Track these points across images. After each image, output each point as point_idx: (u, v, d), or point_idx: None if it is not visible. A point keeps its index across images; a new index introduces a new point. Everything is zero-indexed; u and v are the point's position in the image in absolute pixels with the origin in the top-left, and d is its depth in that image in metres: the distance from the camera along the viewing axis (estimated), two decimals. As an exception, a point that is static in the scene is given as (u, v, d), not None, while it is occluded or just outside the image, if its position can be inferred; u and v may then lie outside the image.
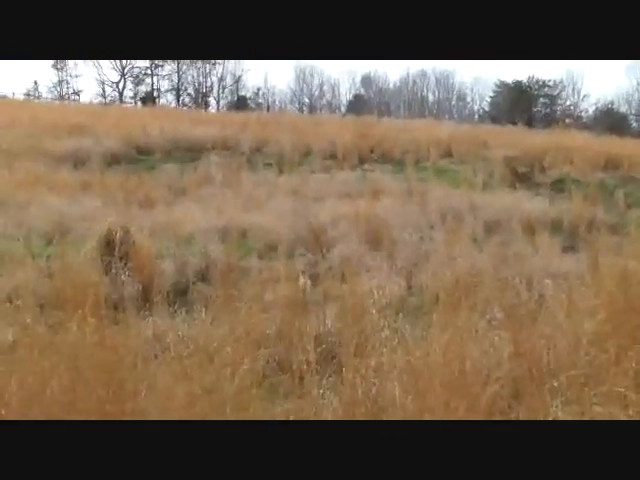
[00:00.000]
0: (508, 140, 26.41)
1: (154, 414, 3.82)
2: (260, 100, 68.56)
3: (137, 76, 65.91)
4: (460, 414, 3.65)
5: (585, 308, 4.64)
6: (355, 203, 13.78)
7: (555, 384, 3.83)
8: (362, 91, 72.97)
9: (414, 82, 72.11)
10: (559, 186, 19.83)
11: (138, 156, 22.62)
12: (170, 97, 66.99)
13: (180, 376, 3.93)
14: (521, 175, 20.45)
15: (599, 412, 3.68)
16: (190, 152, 23.20)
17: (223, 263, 8.56)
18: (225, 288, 6.48)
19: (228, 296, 5.49)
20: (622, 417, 3.61)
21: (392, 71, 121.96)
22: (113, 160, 21.29)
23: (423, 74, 71.43)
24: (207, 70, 66.65)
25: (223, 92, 67.90)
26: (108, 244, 8.08)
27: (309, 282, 7.78)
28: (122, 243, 8.03)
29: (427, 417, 3.68)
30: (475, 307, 4.98)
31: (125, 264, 7.67)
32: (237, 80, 67.25)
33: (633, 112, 65.86)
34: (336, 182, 18.01)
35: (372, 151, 24.22)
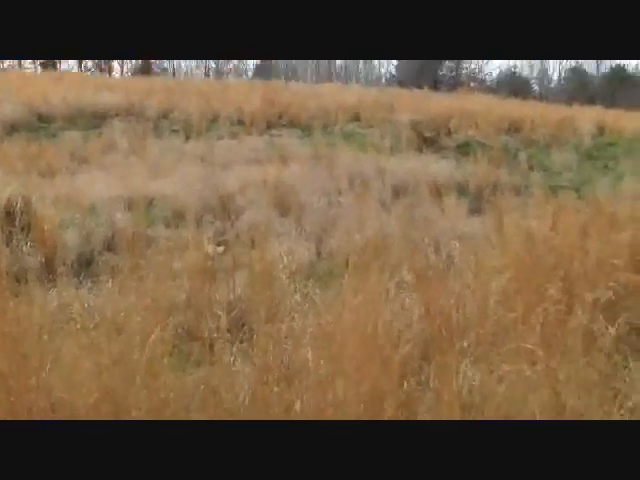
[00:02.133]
0: (414, 104, 26.62)
1: (60, 387, 3.74)
2: (165, 65, 67.24)
3: (36, 40, 63.51)
4: (373, 376, 3.68)
5: (492, 268, 4.73)
6: (263, 169, 13.72)
7: (465, 344, 3.90)
8: (269, 56, 72.36)
9: (321, 46, 71.87)
10: (464, 149, 20.12)
11: (39, 124, 21.86)
12: (72, 62, 64.97)
13: (86, 347, 3.84)
14: (427, 139, 20.67)
15: (508, 370, 3.75)
16: (94, 119, 22.58)
17: (129, 232, 8.39)
18: (132, 257, 6.36)
19: (135, 265, 5.36)
20: (529, 373, 3.68)
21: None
22: (12, 129, 20.53)
23: (330, 38, 71.15)
24: (110, 34, 64.72)
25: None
26: (8, 214, 7.81)
27: (218, 249, 7.71)
28: (23, 213, 7.77)
29: (340, 381, 3.69)
30: (384, 270, 5.01)
31: (27, 235, 7.42)
32: (141, 45, 65.62)
33: (535, 76, 67.41)
34: (244, 148, 17.84)
35: (280, 117, 24.07)
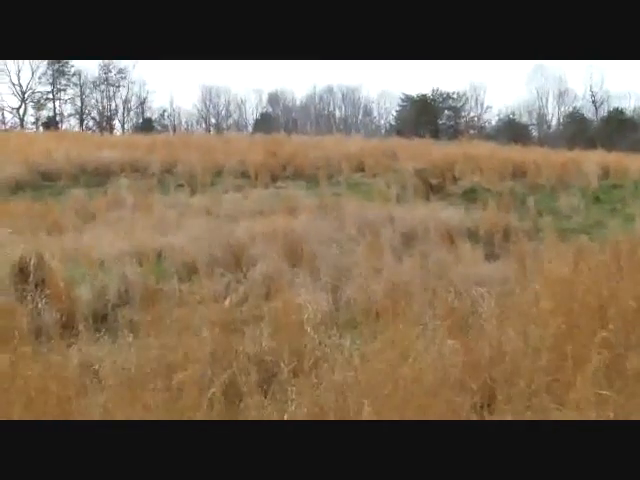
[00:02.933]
0: (417, 152, 26.71)
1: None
2: (166, 122, 67.83)
3: (38, 101, 64.19)
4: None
5: (532, 313, 4.57)
6: (271, 221, 13.62)
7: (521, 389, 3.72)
8: (269, 109, 72.99)
9: (321, 98, 72.66)
10: (471, 195, 20.12)
11: (43, 182, 21.89)
12: (73, 121, 65.64)
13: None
14: (433, 186, 20.67)
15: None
16: (98, 176, 22.62)
17: (142, 286, 8.26)
18: (148, 312, 6.23)
19: (154, 319, 5.21)
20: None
21: (298, 88, 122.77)
22: (17, 187, 20.60)
23: (329, 90, 72.05)
24: (111, 93, 65.59)
25: (128, 115, 66.90)
26: (21, 271, 7.67)
27: (234, 301, 7.55)
28: (36, 270, 7.64)
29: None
30: (410, 318, 4.86)
31: (41, 291, 7.27)
32: (142, 102, 66.40)
33: (533, 121, 67.86)
34: (249, 201, 17.81)
35: (284, 168, 24.11)
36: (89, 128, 62.53)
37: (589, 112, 66.75)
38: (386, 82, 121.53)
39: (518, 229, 13.89)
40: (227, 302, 7.36)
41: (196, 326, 5.79)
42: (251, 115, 73.15)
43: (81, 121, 64.70)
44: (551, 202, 19.17)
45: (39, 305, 6.91)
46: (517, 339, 4.34)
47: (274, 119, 67.76)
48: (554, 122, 67.94)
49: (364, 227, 13.06)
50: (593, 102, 65.80)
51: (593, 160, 25.58)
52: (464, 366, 4.05)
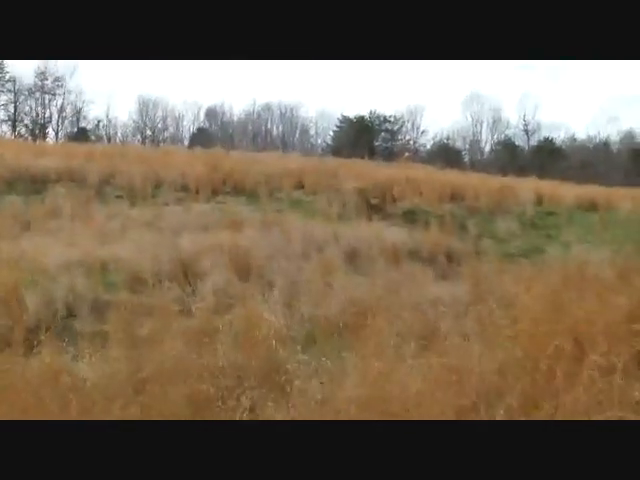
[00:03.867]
0: (356, 172, 26.92)
1: None
2: (101, 132, 66.85)
3: (-31, 106, 62.65)
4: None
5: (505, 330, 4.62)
6: (216, 235, 13.53)
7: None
8: (206, 124, 72.65)
9: (258, 115, 72.61)
10: (410, 216, 20.34)
11: (-25, 189, 21.27)
12: (5, 128, 64.17)
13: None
14: (373, 206, 20.85)
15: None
16: (34, 184, 22.08)
17: (91, 297, 8.09)
18: (101, 323, 6.10)
19: (114, 331, 5.10)
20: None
21: (237, 104, 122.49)
22: (-52, 193, 19.98)
23: (267, 107, 72.09)
24: (46, 101, 64.37)
25: (63, 124, 65.72)
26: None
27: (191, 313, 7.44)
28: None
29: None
30: (377, 334, 4.87)
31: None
32: (78, 111, 65.33)
33: (467, 147, 69.14)
34: (192, 214, 17.64)
35: (224, 183, 23.99)
36: (21, 135, 61.22)
37: (521, 140, 68.36)
38: (324, 102, 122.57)
39: (460, 251, 14.09)
40: (193, 311, 7.23)
41: (157, 338, 5.69)
42: (187, 129, 72.74)
43: (13, 128, 63.32)
44: (489, 226, 19.53)
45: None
46: (487, 357, 4.38)
47: (211, 134, 67.43)
48: (487, 148, 69.33)
49: (309, 244, 13.08)
50: (525, 131, 67.42)
51: (528, 187, 26.25)
52: (444, 383, 4.06)
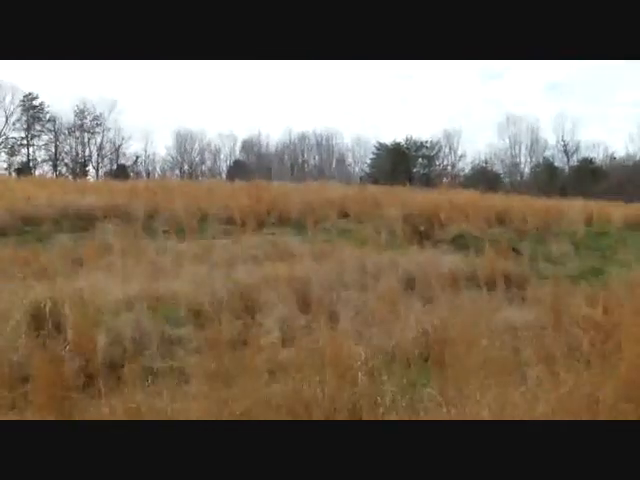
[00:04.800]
0: (399, 199, 26.80)
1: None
2: (139, 168, 67.64)
3: (12, 147, 63.64)
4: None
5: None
6: (270, 267, 13.44)
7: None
8: (243, 156, 73.14)
9: (295, 146, 72.94)
10: (460, 242, 20.12)
11: (25, 227, 21.47)
12: (46, 167, 65.20)
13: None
14: (421, 232, 20.65)
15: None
16: (81, 221, 22.29)
17: (158, 333, 8.01)
18: (169, 360, 5.98)
19: (196, 367, 4.96)
20: None
21: (273, 135, 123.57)
22: (-1, 233, 20.16)
23: (304, 137, 72.43)
24: (86, 139, 65.33)
25: (102, 161, 66.59)
26: (35, 318, 7.36)
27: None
28: (51, 316, 7.33)
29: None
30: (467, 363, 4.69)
31: (63, 340, 6.95)
32: (117, 149, 66.19)
33: (505, 169, 68.74)
34: (241, 247, 17.57)
35: (268, 214, 24.00)
36: (62, 174, 62.15)
37: (560, 161, 67.79)
38: (360, 129, 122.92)
39: (518, 275, 13.82)
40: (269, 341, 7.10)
41: (234, 373, 5.54)
42: (224, 162, 73.28)
43: (54, 167, 64.32)
44: (541, 248, 19.20)
45: (62, 353, 6.61)
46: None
47: (248, 166, 67.86)
48: (526, 170, 68.80)
49: (365, 273, 12.93)
50: (565, 151, 66.81)
51: (575, 208, 25.86)
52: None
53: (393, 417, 4.32)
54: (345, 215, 24.70)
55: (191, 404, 4.49)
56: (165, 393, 5.03)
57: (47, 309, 7.46)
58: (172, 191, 28.76)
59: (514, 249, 17.84)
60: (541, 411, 3.72)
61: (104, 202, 24.31)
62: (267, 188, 30.44)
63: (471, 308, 8.74)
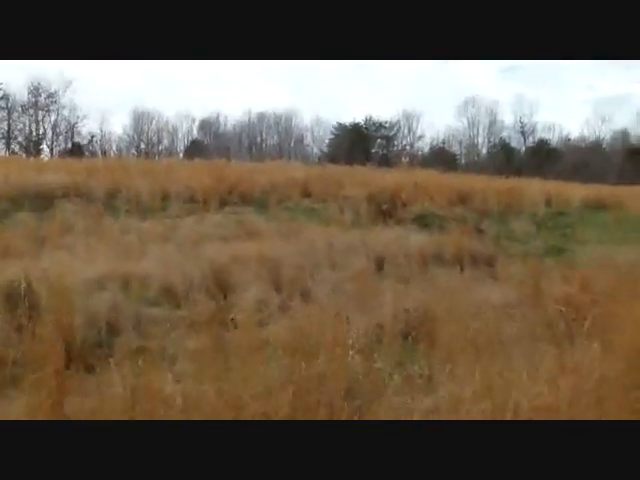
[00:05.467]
0: (360, 179, 26.88)
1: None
2: (95, 147, 66.70)
3: (-37, 124, 62.31)
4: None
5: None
6: (237, 246, 13.39)
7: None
8: (200, 136, 72.55)
9: (253, 125, 72.50)
10: (422, 221, 20.25)
11: (-19, 206, 21.04)
12: (-1, 145, 63.96)
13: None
14: (385, 211, 20.72)
15: None
16: (40, 200, 21.84)
17: (131, 314, 7.94)
18: (146, 339, 5.93)
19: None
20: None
21: (231, 115, 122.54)
22: (-47, 211, 19.74)
23: (262, 117, 71.99)
24: (40, 117, 64.12)
25: (57, 139, 65.49)
26: (8, 298, 7.23)
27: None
28: (26, 296, 7.20)
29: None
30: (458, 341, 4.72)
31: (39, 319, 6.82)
32: (72, 127, 65.13)
33: (464, 150, 69.22)
34: (206, 226, 17.46)
35: (230, 193, 23.84)
36: (15, 153, 60.99)
37: (516, 142, 68.43)
38: (319, 110, 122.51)
39: (483, 253, 13.96)
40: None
41: (220, 353, 5.51)
42: (182, 141, 72.60)
43: (7, 145, 63.11)
44: (504, 227, 19.42)
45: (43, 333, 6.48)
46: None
47: (205, 146, 67.33)
48: (484, 151, 69.37)
49: (334, 252, 12.94)
50: (522, 132, 67.45)
51: (535, 188, 26.18)
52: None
53: (389, 395, 4.33)
54: (307, 195, 24.68)
55: (189, 384, 4.44)
56: (155, 372, 4.98)
57: (22, 289, 7.32)
58: (131, 170, 28.42)
59: (478, 228, 18.00)
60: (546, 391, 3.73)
61: (63, 180, 23.90)
62: (227, 167, 30.23)
63: (447, 286, 8.81)
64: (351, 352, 4.90)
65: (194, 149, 62.69)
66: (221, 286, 10.06)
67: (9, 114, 62.97)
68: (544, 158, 57.87)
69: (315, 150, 72.80)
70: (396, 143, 68.91)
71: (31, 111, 63.68)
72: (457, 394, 3.95)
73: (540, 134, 67.07)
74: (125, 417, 3.82)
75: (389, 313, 7.21)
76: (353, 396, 4.29)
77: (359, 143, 62.46)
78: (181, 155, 64.82)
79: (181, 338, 6.87)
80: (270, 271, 10.75)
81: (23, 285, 7.40)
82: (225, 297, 9.55)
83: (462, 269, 12.03)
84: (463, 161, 67.73)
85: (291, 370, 4.62)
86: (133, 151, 67.91)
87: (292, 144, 72.70)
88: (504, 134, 68.53)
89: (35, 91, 63.54)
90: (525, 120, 66.94)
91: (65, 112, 64.69)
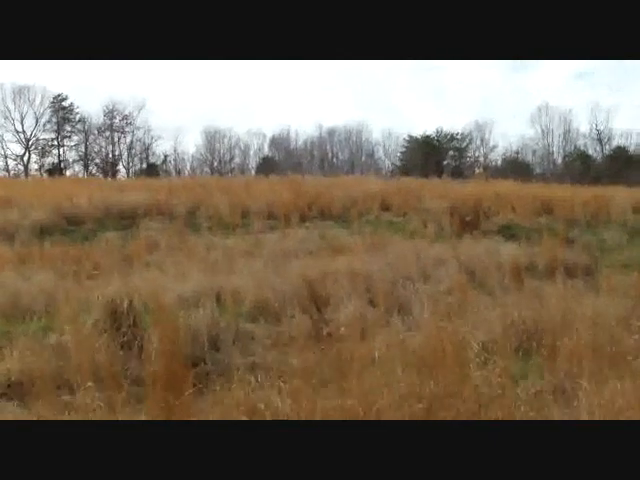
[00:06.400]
0: (438, 191, 26.61)
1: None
2: (169, 166, 67.74)
3: (43, 148, 63.93)
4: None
5: None
6: (324, 260, 13.23)
7: None
8: (271, 152, 73.05)
9: (323, 140, 72.61)
10: (508, 232, 19.83)
11: (69, 226, 21.48)
12: (77, 167, 65.50)
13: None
14: (468, 223, 20.35)
15: None
16: (123, 219, 22.30)
17: (232, 329, 7.85)
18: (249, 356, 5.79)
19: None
20: None
21: (301, 131, 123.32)
22: (43, 232, 20.13)
23: (333, 132, 72.12)
24: (116, 139, 65.53)
25: (132, 160, 66.74)
26: (112, 315, 7.22)
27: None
28: (128, 314, 7.19)
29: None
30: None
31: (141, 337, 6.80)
32: (147, 147, 66.33)
33: (538, 160, 68.02)
34: (290, 241, 17.40)
35: (309, 208, 23.84)
36: (93, 174, 62.43)
37: (592, 150, 66.89)
38: (390, 123, 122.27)
39: (578, 264, 13.52)
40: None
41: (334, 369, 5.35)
42: (253, 158, 73.18)
43: (86, 167, 64.60)
44: (593, 237, 18.85)
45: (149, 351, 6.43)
46: None
47: (276, 162, 67.69)
48: (559, 160, 67.98)
49: (424, 265, 12.69)
50: (599, 140, 65.89)
51: (621, 196, 25.41)
52: None
53: (521, 411, 4.11)
54: (386, 208, 24.52)
55: (304, 401, 4.29)
56: (270, 390, 4.85)
57: (125, 306, 7.30)
58: (209, 187, 28.74)
59: (568, 238, 17.49)
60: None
61: (144, 199, 24.31)
62: (304, 183, 30.30)
63: (550, 298, 8.47)
64: (471, 365, 4.68)
65: (266, 166, 63.14)
66: (315, 301, 9.92)
67: (86, 137, 64.53)
68: (623, 165, 56.40)
69: (387, 164, 72.55)
70: (469, 154, 68.20)
71: (107, 133, 65.11)
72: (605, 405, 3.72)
73: (617, 141, 65.56)
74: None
75: (499, 326, 6.94)
76: (486, 412, 4.06)
77: (431, 155, 62.02)
78: (253, 172, 65.28)
79: (284, 354, 6.73)
80: (362, 285, 10.56)
81: (126, 303, 7.35)
82: (319, 312, 9.41)
83: (558, 280, 11.61)
84: (538, 170, 66.49)
85: (415, 385, 4.42)
86: (206, 169, 68.69)
87: (363, 158, 72.54)
88: (579, 142, 67.14)
89: (110, 113, 65.00)
90: (601, 127, 65.53)
91: (140, 133, 65.97)
